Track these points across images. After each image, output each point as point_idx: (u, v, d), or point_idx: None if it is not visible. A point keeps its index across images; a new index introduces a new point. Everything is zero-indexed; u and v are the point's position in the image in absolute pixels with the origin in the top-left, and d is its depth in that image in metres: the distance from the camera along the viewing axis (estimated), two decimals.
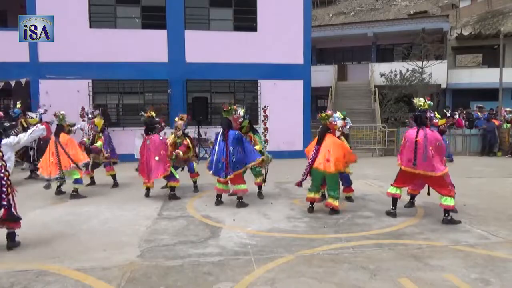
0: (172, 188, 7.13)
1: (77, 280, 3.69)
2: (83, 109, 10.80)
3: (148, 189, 7.23)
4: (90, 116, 9.03)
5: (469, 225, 5.49)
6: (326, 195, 6.28)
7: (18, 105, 8.56)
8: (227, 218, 5.84)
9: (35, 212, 6.27)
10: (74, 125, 8.07)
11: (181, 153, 7.28)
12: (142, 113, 7.39)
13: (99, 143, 8.04)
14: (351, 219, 5.79)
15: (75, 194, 7.23)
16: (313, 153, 5.98)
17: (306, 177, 6.09)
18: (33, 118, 9.11)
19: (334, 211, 6.01)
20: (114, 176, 8.34)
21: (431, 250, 4.49)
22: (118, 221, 5.74)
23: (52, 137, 7.26)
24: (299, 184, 6.13)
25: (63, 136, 7.23)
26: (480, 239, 4.91)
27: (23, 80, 12.02)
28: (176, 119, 7.70)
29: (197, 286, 3.58)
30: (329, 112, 6.26)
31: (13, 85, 12.07)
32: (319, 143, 5.98)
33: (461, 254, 4.36)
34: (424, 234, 5.10)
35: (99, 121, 8.27)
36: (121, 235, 5.04)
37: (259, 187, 7.34)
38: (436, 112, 5.98)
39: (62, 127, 7.35)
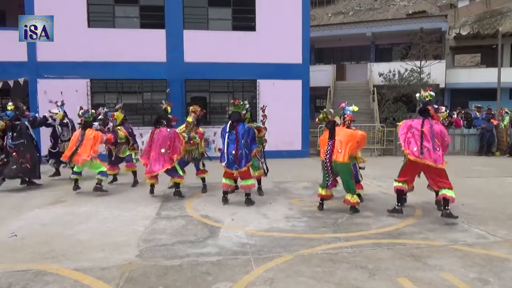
0: (177, 185, 7.10)
1: (75, 280, 3.69)
2: (81, 108, 10.77)
3: (152, 186, 7.18)
4: (101, 116, 9.05)
5: (467, 224, 5.50)
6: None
7: (10, 107, 8.31)
8: (226, 218, 5.84)
9: (34, 212, 6.26)
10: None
11: (197, 137, 7.33)
12: (163, 102, 7.54)
13: (121, 134, 8.15)
14: (349, 219, 5.80)
15: (99, 187, 7.41)
16: (328, 149, 5.96)
17: (332, 177, 6.03)
18: (57, 113, 9.14)
19: (354, 209, 6.03)
20: (134, 173, 8.41)
21: (429, 250, 4.49)
22: (117, 221, 5.74)
23: (79, 130, 7.75)
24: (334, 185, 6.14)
25: (91, 132, 7.55)
26: (479, 239, 4.92)
27: (21, 80, 11.99)
28: (191, 108, 7.72)
29: (196, 286, 3.58)
30: (327, 111, 6.31)
31: (11, 84, 12.04)
32: (332, 137, 5.98)
33: (459, 254, 4.37)
34: (422, 233, 5.11)
35: (118, 114, 8.39)
36: (120, 235, 5.04)
37: (259, 181, 7.39)
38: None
39: (91, 124, 7.73)
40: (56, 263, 4.09)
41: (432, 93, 5.86)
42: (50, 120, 9.09)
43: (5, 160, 8.04)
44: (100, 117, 8.89)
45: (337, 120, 6.33)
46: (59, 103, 9.31)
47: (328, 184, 6.08)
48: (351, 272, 3.85)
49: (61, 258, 4.23)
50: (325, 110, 6.31)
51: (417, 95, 5.99)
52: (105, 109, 9.32)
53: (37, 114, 9.44)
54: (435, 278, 3.73)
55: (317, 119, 6.42)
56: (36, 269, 3.95)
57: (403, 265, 4.04)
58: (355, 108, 6.49)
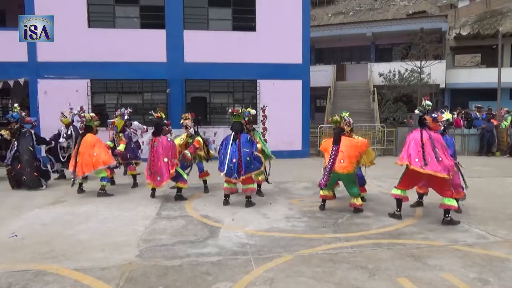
0: (179, 189, 7.06)
1: (75, 280, 3.69)
2: (81, 108, 10.81)
3: (154, 189, 7.15)
4: (127, 116, 9.10)
5: (467, 224, 5.50)
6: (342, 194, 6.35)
7: (16, 109, 8.45)
8: (226, 218, 5.84)
9: (34, 212, 6.26)
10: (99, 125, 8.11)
11: (188, 154, 7.13)
12: (152, 113, 7.37)
13: (121, 146, 8.13)
14: (350, 219, 5.80)
15: (103, 192, 7.37)
16: (332, 154, 6.00)
17: (328, 178, 6.07)
18: (66, 117, 9.17)
19: (358, 210, 6.07)
20: (134, 176, 8.41)
21: (429, 250, 4.50)
22: (117, 221, 5.74)
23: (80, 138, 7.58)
24: (324, 185, 6.13)
25: (91, 137, 7.41)
26: (479, 239, 4.92)
27: (21, 80, 12.00)
28: (182, 121, 7.66)
29: (196, 286, 3.58)
30: (341, 115, 6.32)
31: (12, 85, 12.05)
32: (337, 143, 6.02)
33: (459, 254, 4.37)
34: (422, 233, 5.12)
35: (119, 121, 8.31)
36: (120, 235, 5.04)
37: (259, 185, 7.39)
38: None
39: (91, 128, 7.57)
40: (56, 263, 4.09)
41: (429, 102, 5.84)
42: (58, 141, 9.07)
43: (11, 168, 8.12)
44: (125, 117, 8.98)
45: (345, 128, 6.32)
46: (74, 111, 9.30)
47: (321, 182, 6.08)
48: (351, 272, 3.85)
49: (61, 258, 4.23)
50: (342, 115, 6.29)
51: (418, 108, 5.96)
52: (130, 109, 9.38)
53: (35, 119, 9.38)
54: (435, 278, 3.73)
55: (330, 119, 6.42)
56: (36, 269, 3.95)
57: (403, 265, 4.04)
58: (347, 114, 6.46)
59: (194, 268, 3.97)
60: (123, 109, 9.08)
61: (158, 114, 7.27)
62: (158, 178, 6.81)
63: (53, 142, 9.00)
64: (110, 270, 3.92)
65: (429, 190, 6.32)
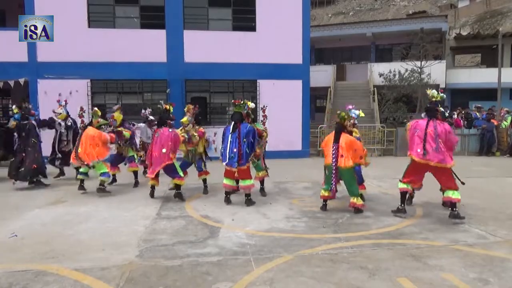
0: (178, 187, 7.01)
1: (75, 280, 3.69)
2: (81, 109, 10.82)
3: (153, 187, 7.13)
4: (150, 118, 9.35)
5: (467, 224, 5.49)
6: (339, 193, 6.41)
7: (16, 110, 8.61)
8: (226, 218, 5.84)
9: (34, 211, 6.26)
10: (105, 124, 8.11)
11: (196, 135, 7.22)
12: (162, 102, 7.49)
13: (126, 133, 8.17)
14: (350, 219, 5.80)
15: (102, 188, 7.38)
16: (333, 152, 6.00)
17: (335, 181, 6.11)
18: (61, 113, 9.21)
19: (358, 210, 6.07)
20: (136, 173, 8.39)
21: (429, 250, 4.49)
22: (117, 221, 5.74)
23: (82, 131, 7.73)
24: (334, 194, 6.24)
25: (92, 130, 7.48)
26: (479, 239, 4.92)
27: (21, 80, 12.00)
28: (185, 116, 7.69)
29: (196, 286, 3.58)
30: (348, 112, 6.37)
31: (12, 85, 12.05)
32: (336, 141, 6.03)
33: (459, 254, 4.37)
34: (422, 233, 5.11)
35: (118, 115, 8.34)
36: (120, 235, 5.04)
37: (261, 182, 7.40)
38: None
39: (91, 123, 7.69)
40: (56, 263, 4.09)
41: (443, 95, 5.85)
42: (57, 125, 9.13)
43: (13, 160, 8.24)
44: (150, 117, 9.14)
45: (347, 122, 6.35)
46: (62, 103, 9.37)
47: (332, 188, 6.11)
48: (351, 272, 3.85)
49: (61, 258, 4.23)
50: (348, 112, 6.33)
51: (428, 91, 5.97)
52: (149, 109, 9.55)
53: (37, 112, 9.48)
54: (435, 278, 3.72)
55: (338, 112, 6.44)
56: (36, 269, 3.95)
57: (403, 265, 4.04)
58: (362, 114, 6.54)
59: (194, 268, 3.97)
60: (142, 110, 9.28)
61: (167, 106, 7.37)
62: (152, 167, 6.88)
63: (56, 123, 9.08)
64: (110, 270, 3.92)
65: (423, 186, 6.30)
